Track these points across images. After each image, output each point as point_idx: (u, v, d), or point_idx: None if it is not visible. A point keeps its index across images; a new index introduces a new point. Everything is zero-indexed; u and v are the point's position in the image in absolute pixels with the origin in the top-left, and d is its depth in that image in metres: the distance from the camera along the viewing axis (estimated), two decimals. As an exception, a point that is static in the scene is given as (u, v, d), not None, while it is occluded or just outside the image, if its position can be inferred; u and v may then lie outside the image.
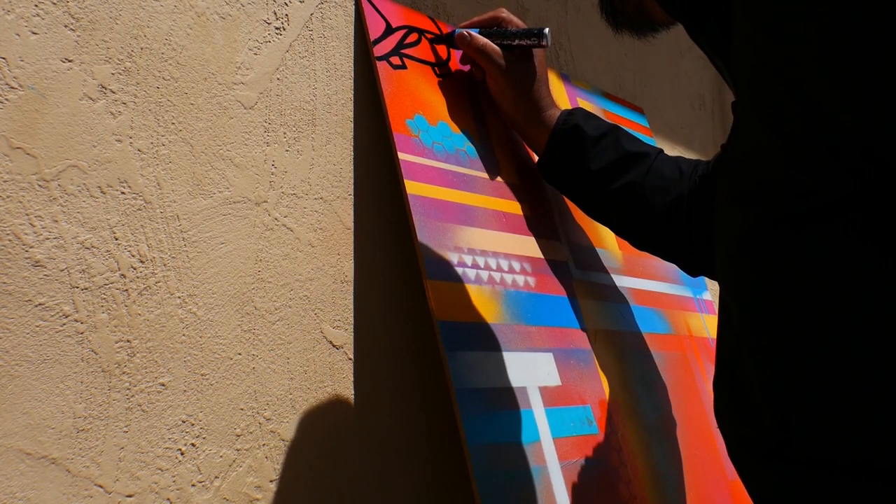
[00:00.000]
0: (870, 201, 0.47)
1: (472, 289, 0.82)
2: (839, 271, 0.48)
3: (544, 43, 0.91)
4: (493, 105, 0.96)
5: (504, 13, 0.93)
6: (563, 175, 0.93)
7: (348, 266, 0.81)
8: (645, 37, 0.83)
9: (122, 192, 0.65)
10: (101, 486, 0.60)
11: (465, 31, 0.92)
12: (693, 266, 0.93)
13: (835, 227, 0.48)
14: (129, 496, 0.62)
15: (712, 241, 0.59)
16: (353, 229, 0.82)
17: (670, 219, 0.89)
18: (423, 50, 0.92)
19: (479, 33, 0.92)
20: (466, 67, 0.96)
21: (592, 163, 0.89)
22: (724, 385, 0.58)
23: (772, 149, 0.52)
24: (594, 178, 0.90)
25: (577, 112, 0.92)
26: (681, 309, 1.14)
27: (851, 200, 0.48)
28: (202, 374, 0.68)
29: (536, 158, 0.96)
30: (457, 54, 0.96)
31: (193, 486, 0.66)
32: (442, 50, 0.95)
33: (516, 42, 0.91)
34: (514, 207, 0.93)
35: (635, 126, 1.28)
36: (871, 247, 0.47)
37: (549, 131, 0.92)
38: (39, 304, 0.59)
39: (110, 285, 0.63)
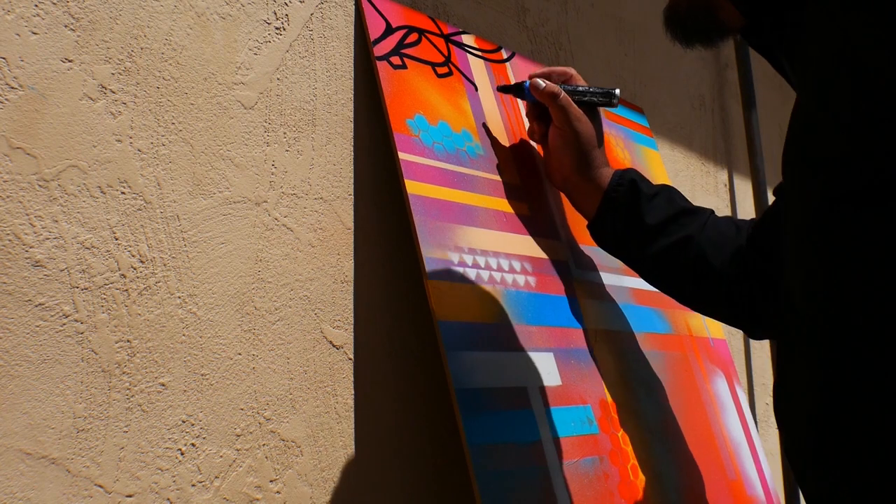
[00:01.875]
0: None
1: (472, 289, 0.82)
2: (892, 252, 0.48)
3: (615, 103, 0.93)
4: (540, 158, 0.97)
5: (573, 70, 0.95)
6: (617, 231, 0.91)
7: (348, 266, 0.81)
8: (715, 45, 0.81)
9: (122, 192, 0.65)
10: (101, 486, 0.60)
11: (538, 80, 0.93)
12: (756, 325, 0.89)
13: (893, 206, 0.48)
14: (129, 496, 0.62)
15: (775, 294, 0.58)
16: (353, 229, 0.82)
17: (729, 274, 0.87)
18: (423, 50, 0.92)
19: None
20: (525, 124, 0.98)
21: (648, 217, 0.89)
22: (781, 383, 0.57)
23: (832, 128, 0.51)
24: (650, 233, 0.89)
25: (631, 171, 0.93)
26: (681, 309, 1.14)
27: None
28: (202, 374, 0.68)
29: (586, 221, 0.95)
30: (492, 93, 0.97)
31: (193, 486, 0.66)
32: (442, 49, 0.95)
33: (587, 98, 0.93)
34: (514, 207, 0.93)
35: (635, 126, 1.28)
36: None
37: (602, 189, 0.91)
38: (39, 304, 0.59)
39: (110, 285, 0.63)
